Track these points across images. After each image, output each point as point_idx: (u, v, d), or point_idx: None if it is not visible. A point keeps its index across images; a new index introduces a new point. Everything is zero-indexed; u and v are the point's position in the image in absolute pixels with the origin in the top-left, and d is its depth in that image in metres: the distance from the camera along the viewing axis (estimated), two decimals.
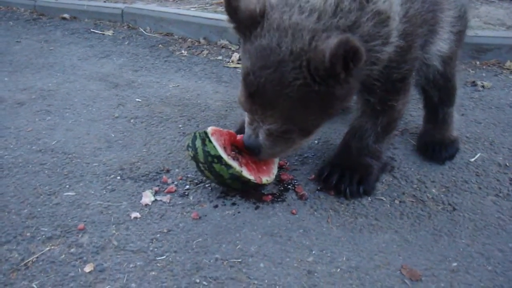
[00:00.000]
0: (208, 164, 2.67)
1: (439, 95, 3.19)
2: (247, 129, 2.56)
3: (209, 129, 2.72)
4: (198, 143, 2.69)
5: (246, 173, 2.68)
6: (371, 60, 2.27)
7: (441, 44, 2.83)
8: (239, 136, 2.81)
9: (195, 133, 2.74)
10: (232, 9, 2.30)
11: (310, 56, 2.12)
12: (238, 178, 2.68)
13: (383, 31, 2.27)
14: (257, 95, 2.31)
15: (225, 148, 2.69)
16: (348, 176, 2.80)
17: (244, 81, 2.35)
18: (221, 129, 2.82)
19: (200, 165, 2.72)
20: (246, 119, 2.57)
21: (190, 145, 2.73)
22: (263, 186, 2.83)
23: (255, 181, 2.70)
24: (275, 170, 2.88)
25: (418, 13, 2.45)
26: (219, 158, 2.64)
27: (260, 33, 2.25)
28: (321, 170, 2.92)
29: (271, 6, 2.27)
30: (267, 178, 2.79)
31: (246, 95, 2.36)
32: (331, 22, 2.16)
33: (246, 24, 2.29)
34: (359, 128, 2.83)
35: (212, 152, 2.64)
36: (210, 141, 2.66)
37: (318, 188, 2.88)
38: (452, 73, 3.15)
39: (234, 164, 2.66)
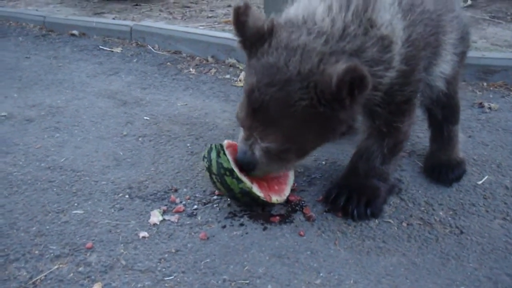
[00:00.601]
0: (220, 176, 2.70)
1: (443, 113, 3.20)
2: (242, 146, 2.55)
3: (225, 142, 2.78)
4: (213, 154, 2.72)
5: (256, 190, 2.70)
6: (373, 85, 2.27)
7: (444, 66, 2.84)
8: None
9: (211, 144, 2.79)
10: (240, 24, 2.33)
11: (318, 79, 2.15)
12: (248, 193, 2.70)
13: (386, 56, 2.31)
14: (260, 112, 2.32)
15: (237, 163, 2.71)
16: (355, 198, 2.80)
17: (248, 97, 2.36)
18: (233, 142, 2.86)
19: (213, 176, 2.75)
20: (241, 134, 2.56)
21: (206, 156, 2.77)
22: (272, 205, 2.85)
23: (265, 199, 2.72)
24: (287, 192, 2.89)
25: (421, 36, 2.47)
26: (231, 171, 2.66)
27: (268, 51, 2.27)
28: (329, 191, 2.93)
29: (279, 25, 2.32)
30: (277, 197, 2.80)
31: (249, 111, 2.37)
32: (338, 46, 2.20)
33: (253, 40, 2.32)
34: (366, 150, 2.85)
35: (225, 165, 2.67)
36: (224, 153, 2.70)
37: (326, 209, 2.88)
38: (455, 91, 3.17)
39: (245, 179, 2.67)
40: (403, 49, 2.38)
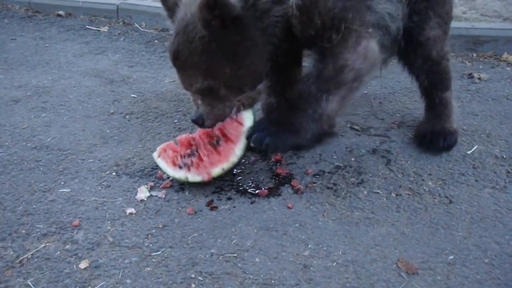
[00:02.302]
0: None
1: (429, 80, 3.14)
2: (193, 108, 2.79)
3: (155, 152, 2.91)
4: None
5: (192, 176, 2.77)
6: (262, 15, 2.53)
7: (385, 5, 2.68)
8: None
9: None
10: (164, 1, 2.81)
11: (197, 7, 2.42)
12: (190, 183, 2.82)
13: None
14: (178, 59, 2.60)
15: (176, 157, 2.83)
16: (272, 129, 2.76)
17: (169, 54, 2.66)
18: (171, 142, 2.97)
19: None
20: (191, 99, 2.80)
21: None
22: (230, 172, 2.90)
23: (204, 180, 2.77)
24: (238, 151, 2.81)
25: None
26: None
27: (177, 12, 2.65)
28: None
29: None
30: (220, 168, 2.79)
31: (176, 66, 2.66)
32: None
33: (173, 10, 2.70)
34: (304, 75, 2.82)
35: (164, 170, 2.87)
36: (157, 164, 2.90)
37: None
38: (440, 56, 3.07)
39: (179, 174, 2.79)
40: None
